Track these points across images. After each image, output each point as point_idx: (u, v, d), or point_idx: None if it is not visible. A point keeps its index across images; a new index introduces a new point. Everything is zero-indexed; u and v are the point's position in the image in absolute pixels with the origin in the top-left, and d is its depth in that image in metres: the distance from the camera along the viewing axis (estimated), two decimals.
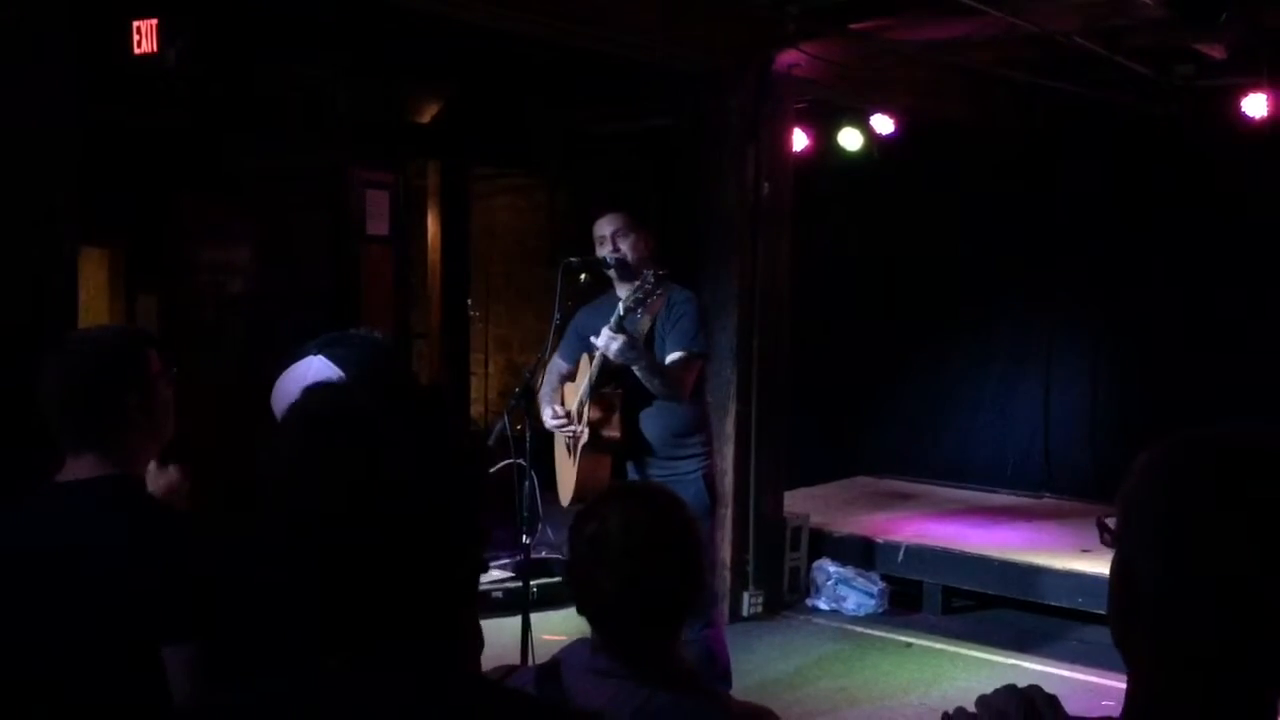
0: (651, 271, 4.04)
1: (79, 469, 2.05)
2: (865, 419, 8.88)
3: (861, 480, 8.58)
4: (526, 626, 3.89)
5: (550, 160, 10.18)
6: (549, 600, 5.48)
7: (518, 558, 4.18)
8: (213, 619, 1.93)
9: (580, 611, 1.88)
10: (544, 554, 6.64)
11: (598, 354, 4.09)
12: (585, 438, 4.20)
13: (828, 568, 6.72)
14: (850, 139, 7.81)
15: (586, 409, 4.21)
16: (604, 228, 4.34)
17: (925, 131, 7.75)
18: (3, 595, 2.02)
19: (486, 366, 10.89)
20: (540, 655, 3.68)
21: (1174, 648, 1.05)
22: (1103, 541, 1.17)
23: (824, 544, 6.90)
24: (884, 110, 7.57)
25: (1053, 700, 1.08)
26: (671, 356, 4.17)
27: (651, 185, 10.02)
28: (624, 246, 4.29)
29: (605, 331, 3.98)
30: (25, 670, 1.98)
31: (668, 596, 1.84)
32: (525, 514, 3.99)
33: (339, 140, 8.04)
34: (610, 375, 4.19)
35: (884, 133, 7.66)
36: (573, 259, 4.31)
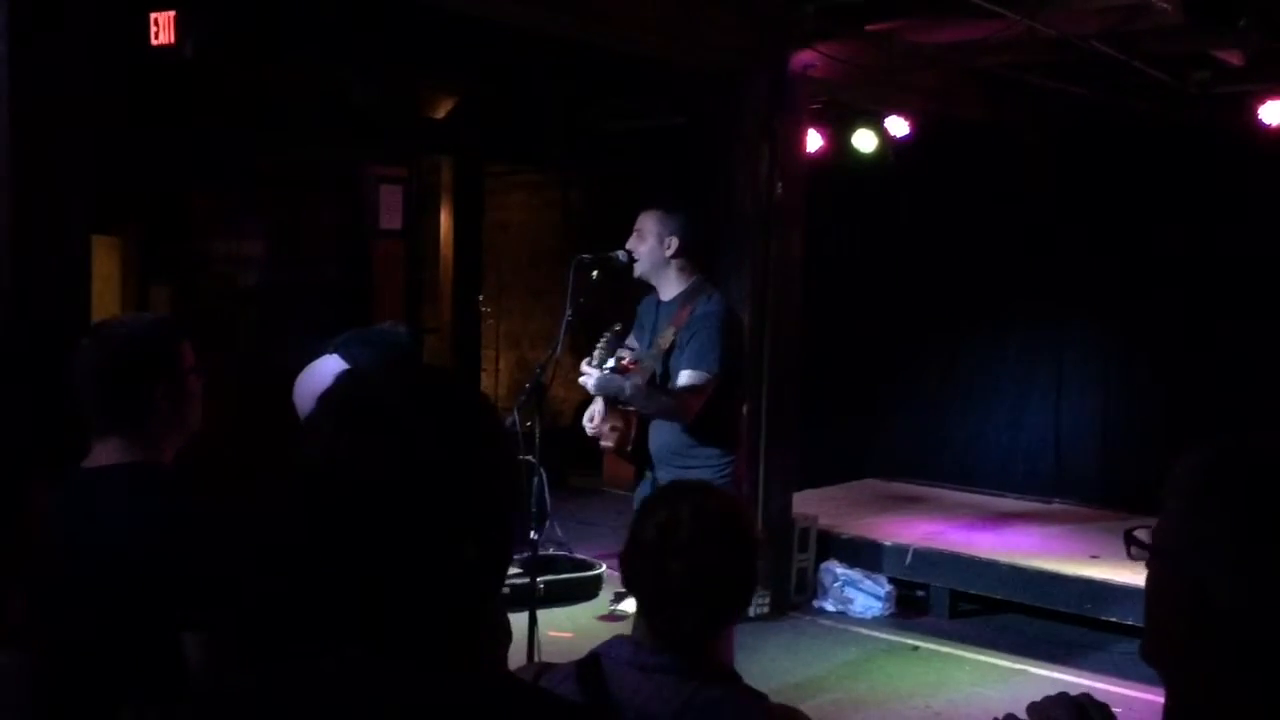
0: (617, 325, 4.11)
1: (105, 454, 2.07)
2: (875, 421, 8.87)
3: (870, 483, 8.56)
4: (533, 623, 3.89)
5: (564, 157, 10.19)
6: (556, 597, 5.48)
7: (525, 554, 4.18)
8: (230, 607, 1.94)
9: (640, 600, 1.89)
10: (552, 551, 6.65)
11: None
12: (609, 444, 4.27)
13: (835, 569, 6.71)
14: (865, 140, 7.79)
15: (607, 415, 4.25)
16: (637, 222, 4.36)
17: (940, 134, 7.73)
18: (29, 581, 2.04)
19: (497, 363, 10.90)
20: (547, 652, 3.68)
21: (1247, 670, 1.02)
22: (1131, 555, 1.13)
23: (832, 546, 6.89)
24: (899, 112, 7.56)
25: (1104, 708, 1.06)
26: (681, 377, 4.11)
27: (666, 184, 10.03)
28: (637, 242, 4.30)
29: (593, 373, 4.00)
30: (50, 653, 2.00)
31: (732, 588, 1.88)
32: (534, 510, 3.99)
33: (353, 135, 8.06)
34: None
35: (899, 135, 7.65)
36: (584, 256, 4.31)
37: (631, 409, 4.18)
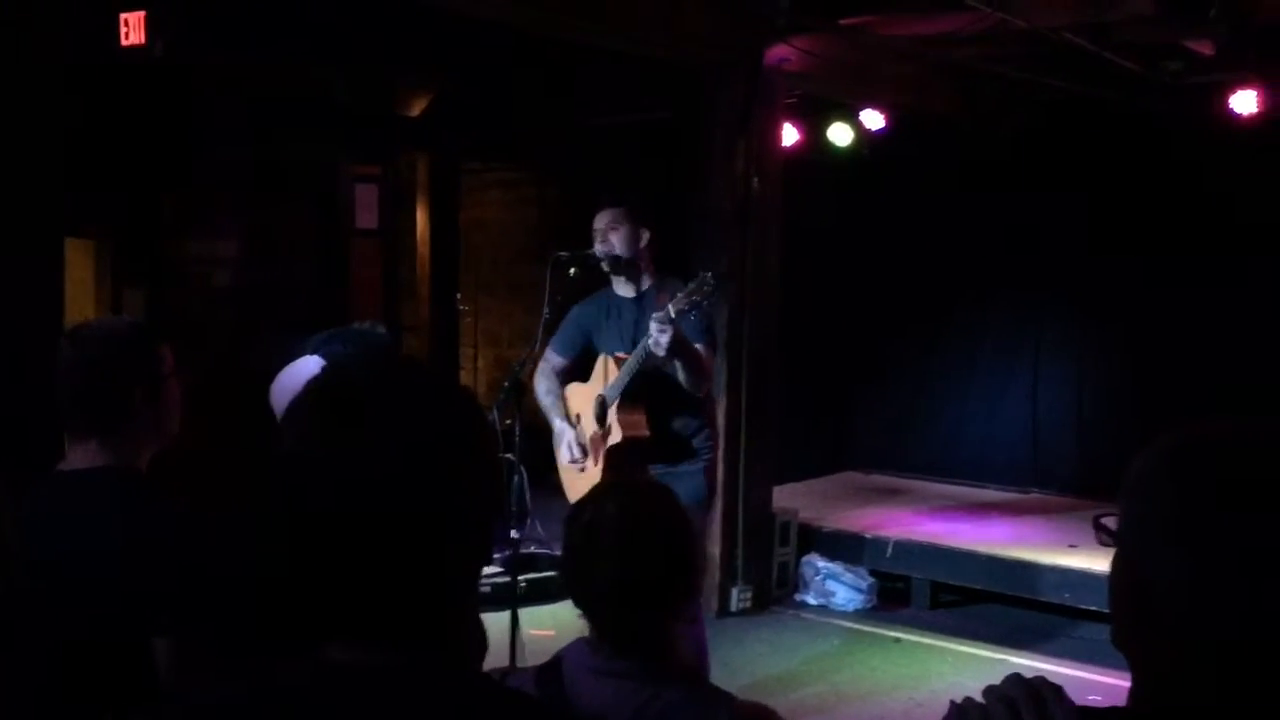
0: (710, 273, 4.00)
1: (81, 457, 2.05)
2: (854, 414, 8.89)
3: (850, 475, 8.59)
4: (515, 622, 3.89)
5: (541, 154, 10.17)
6: (537, 595, 5.47)
7: (506, 553, 4.17)
8: (202, 613, 1.93)
9: (576, 601, 1.88)
10: (533, 549, 6.64)
11: (638, 349, 4.05)
12: (618, 438, 4.19)
13: (816, 563, 6.73)
14: (840, 134, 7.80)
15: (614, 410, 4.20)
16: (598, 221, 4.34)
17: (915, 127, 7.75)
18: (2, 584, 2.02)
19: (476, 361, 10.88)
20: (529, 650, 3.68)
21: (1190, 647, 1.04)
22: (1100, 541, 1.16)
23: (813, 539, 6.91)
24: (874, 105, 7.57)
25: (1058, 690, 1.08)
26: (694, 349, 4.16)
27: (643, 179, 10.02)
28: (614, 240, 4.28)
29: (655, 325, 3.90)
30: (19, 658, 1.98)
31: (661, 582, 1.85)
32: (514, 509, 3.99)
33: (328, 133, 8.01)
34: (643, 374, 4.14)
35: (874, 128, 7.66)
36: (562, 253, 4.31)
37: (642, 399, 4.18)
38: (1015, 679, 1.10)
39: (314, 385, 1.11)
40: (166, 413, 2.16)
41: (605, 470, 4.23)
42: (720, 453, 4.56)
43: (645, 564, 1.83)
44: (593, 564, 1.85)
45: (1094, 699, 1.13)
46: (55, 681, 1.97)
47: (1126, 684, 1.14)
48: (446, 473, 1.07)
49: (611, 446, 4.22)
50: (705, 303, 3.97)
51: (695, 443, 4.33)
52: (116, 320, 2.41)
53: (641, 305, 4.31)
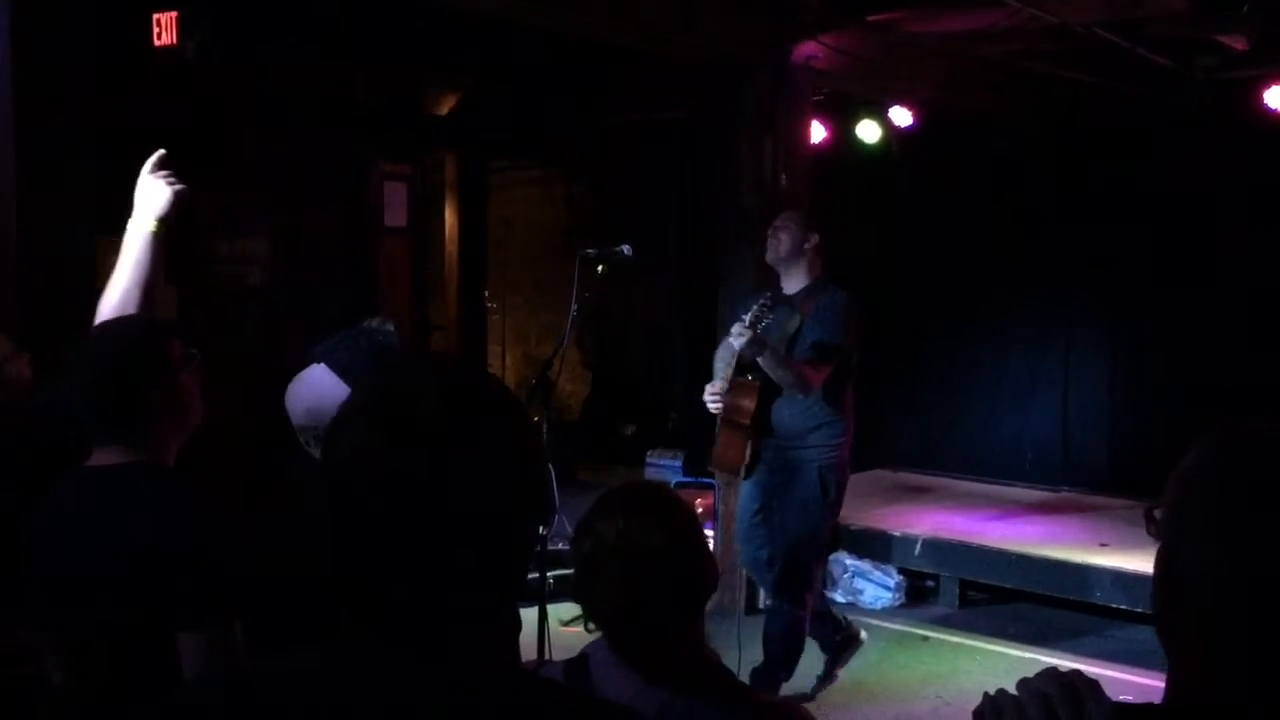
0: (766, 295, 4.53)
1: (108, 456, 2.07)
2: (882, 411, 8.84)
3: (879, 473, 8.56)
4: (543, 617, 3.90)
5: (568, 152, 10.18)
6: (565, 591, 5.48)
7: (535, 549, 4.18)
8: (230, 609, 1.94)
9: (589, 620, 1.89)
10: (561, 545, 6.65)
11: (723, 344, 4.61)
12: (720, 414, 4.68)
13: (844, 560, 6.71)
14: (868, 131, 7.78)
15: (728, 392, 4.68)
16: (776, 221, 4.89)
17: (944, 124, 7.71)
18: (32, 578, 2.04)
19: (504, 358, 10.90)
20: (556, 645, 3.69)
21: (1221, 639, 1.04)
22: (1149, 533, 1.16)
23: (841, 537, 6.89)
24: (902, 102, 7.54)
25: (1095, 685, 1.07)
26: (808, 350, 4.60)
27: (670, 177, 10.02)
28: (784, 238, 4.79)
29: (736, 326, 4.40)
30: (48, 648, 2.00)
31: (665, 604, 1.84)
32: None
33: (357, 133, 8.06)
34: (748, 366, 4.60)
35: (902, 125, 7.63)
36: (589, 251, 4.32)
37: (755, 386, 4.63)
38: (1050, 673, 1.09)
39: (363, 391, 1.13)
40: (186, 405, 2.16)
41: (720, 441, 4.75)
42: (848, 453, 4.88)
43: (645, 592, 1.82)
44: (594, 592, 1.86)
45: (1125, 699, 1.12)
46: (78, 672, 1.98)
47: (1159, 684, 1.13)
48: (492, 475, 1.08)
49: (720, 421, 4.71)
50: (761, 321, 4.42)
51: (810, 438, 4.71)
52: (120, 323, 2.40)
53: (792, 302, 4.74)
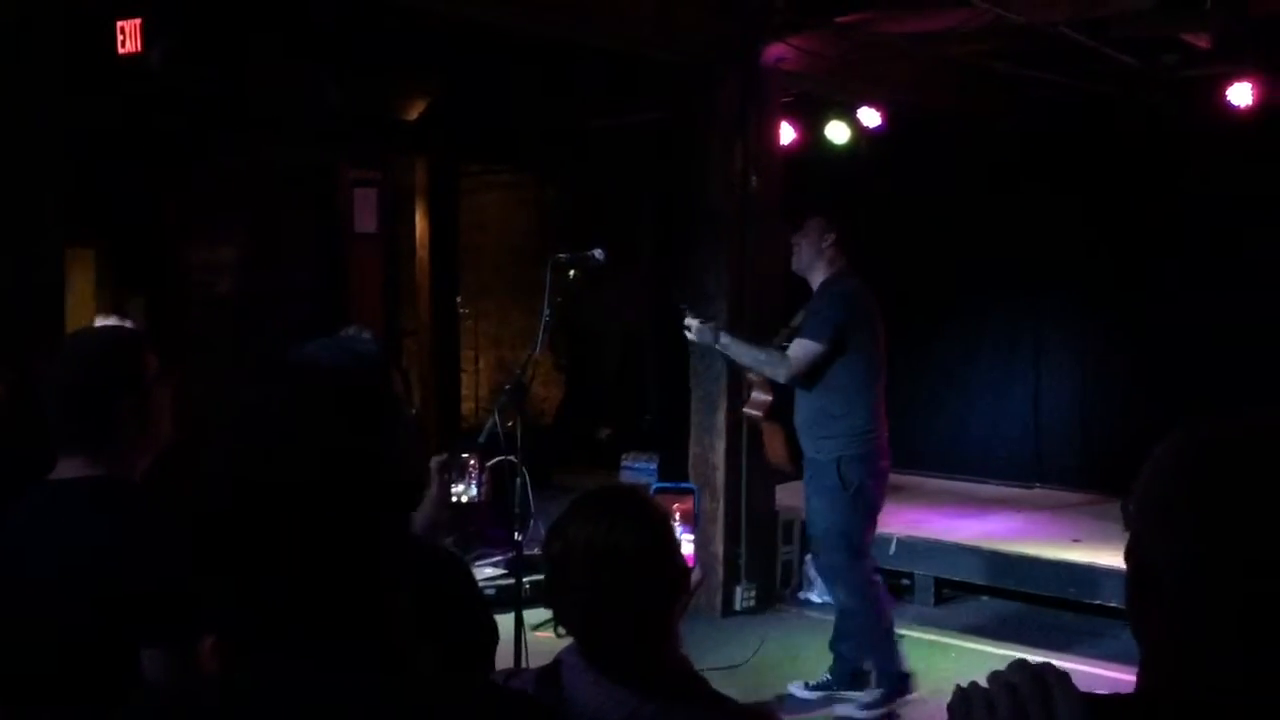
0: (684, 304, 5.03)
1: (70, 469, 2.04)
2: None
3: None
4: (519, 623, 3.89)
5: (539, 156, 10.17)
6: (541, 597, 5.47)
7: (510, 554, 4.17)
8: (189, 625, 1.91)
9: (558, 623, 1.88)
10: (536, 551, 6.63)
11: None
12: (758, 413, 5.11)
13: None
14: (838, 132, 7.81)
15: (753, 387, 5.06)
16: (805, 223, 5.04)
17: (912, 124, 7.75)
18: None
19: (477, 363, 10.88)
20: (533, 651, 3.68)
21: (1185, 630, 1.05)
22: (1125, 526, 1.17)
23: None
24: (871, 103, 7.57)
25: (1063, 676, 1.08)
26: (792, 346, 4.86)
27: (642, 180, 10.03)
28: (803, 242, 4.98)
29: (693, 322, 4.91)
30: (4, 664, 1.98)
31: (633, 609, 1.82)
32: (517, 510, 3.99)
33: (326, 138, 8.02)
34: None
35: (871, 125, 7.66)
36: (561, 255, 4.31)
37: (774, 388, 4.99)
38: (1020, 665, 1.10)
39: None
40: (154, 422, 2.13)
41: (763, 430, 5.19)
42: (874, 446, 4.91)
43: (612, 596, 1.81)
44: (562, 595, 1.85)
45: (1099, 692, 1.13)
46: (37, 689, 1.95)
47: (1131, 678, 1.14)
48: (361, 477, 1.09)
49: (761, 419, 5.07)
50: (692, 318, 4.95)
51: (826, 432, 4.84)
52: (95, 332, 2.38)
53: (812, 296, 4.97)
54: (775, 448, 4.95)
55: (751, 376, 5.11)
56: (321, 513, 1.07)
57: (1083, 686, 1.08)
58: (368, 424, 1.13)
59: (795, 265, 5.01)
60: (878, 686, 5.04)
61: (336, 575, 1.08)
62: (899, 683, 4.99)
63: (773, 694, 5.22)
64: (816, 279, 4.97)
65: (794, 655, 5.75)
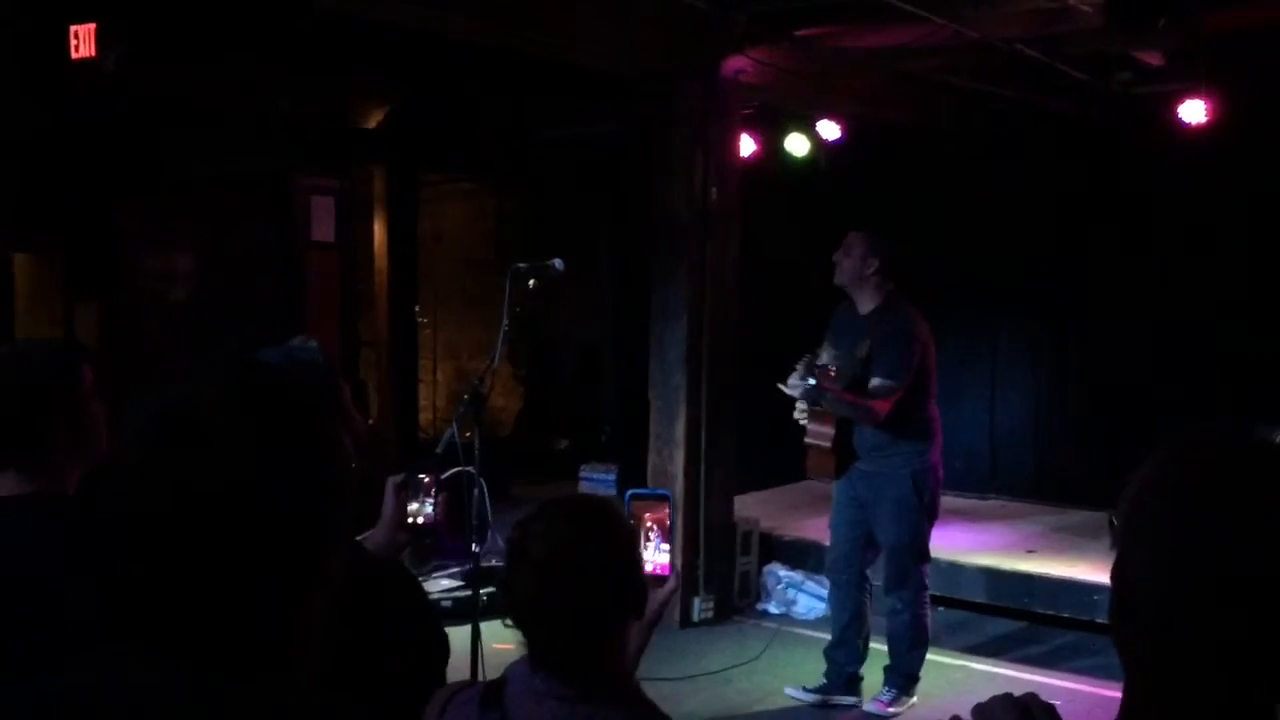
0: (809, 354, 4.93)
1: (2, 486, 1.99)
2: None
3: (811, 484, 8.58)
4: (476, 635, 3.86)
5: (498, 165, 10.15)
6: (498, 609, 5.44)
7: (467, 566, 4.15)
8: (133, 636, 1.87)
9: (509, 620, 1.86)
10: (494, 562, 6.60)
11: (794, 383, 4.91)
12: (806, 439, 5.04)
13: (778, 572, 6.74)
14: (797, 144, 7.85)
15: (810, 418, 4.99)
16: (845, 242, 5.05)
17: (871, 137, 7.81)
18: None
19: (435, 373, 10.83)
20: (490, 663, 3.65)
21: (1172, 648, 1.05)
22: (1112, 545, 1.17)
23: (774, 548, 6.92)
24: (830, 116, 7.62)
25: (1050, 710, 1.08)
26: (873, 383, 4.86)
27: (601, 190, 10.03)
28: (845, 263, 4.98)
29: (792, 378, 4.86)
30: None
31: (585, 599, 1.81)
32: (475, 522, 3.97)
33: (283, 146, 7.96)
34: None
35: (830, 138, 7.71)
36: (521, 265, 4.31)
37: (833, 416, 4.95)
38: (1006, 699, 1.09)
39: (142, 407, 1.11)
40: (89, 436, 2.06)
41: (809, 459, 5.14)
42: (938, 456, 5.07)
43: (563, 584, 1.79)
44: (516, 577, 1.82)
45: (1056, 704, 1.13)
46: None
47: (1086, 689, 1.15)
48: (281, 477, 1.06)
49: (809, 445, 5.03)
50: (811, 368, 4.84)
51: (893, 451, 4.95)
52: (30, 344, 2.31)
53: (864, 323, 4.96)
54: (826, 466, 5.08)
55: (814, 410, 5.02)
56: (244, 516, 1.04)
57: (1046, 696, 1.08)
58: (301, 428, 1.11)
59: (838, 279, 5.03)
60: (891, 686, 5.16)
61: (252, 579, 1.05)
62: (912, 685, 5.17)
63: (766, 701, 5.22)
64: (866, 301, 5.00)
65: (751, 667, 5.75)
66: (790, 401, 5.03)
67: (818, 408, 4.94)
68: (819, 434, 5.02)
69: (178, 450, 1.05)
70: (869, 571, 5.34)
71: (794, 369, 4.90)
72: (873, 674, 5.29)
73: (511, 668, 1.85)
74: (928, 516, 5.12)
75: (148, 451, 1.06)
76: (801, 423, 5.03)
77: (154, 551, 1.05)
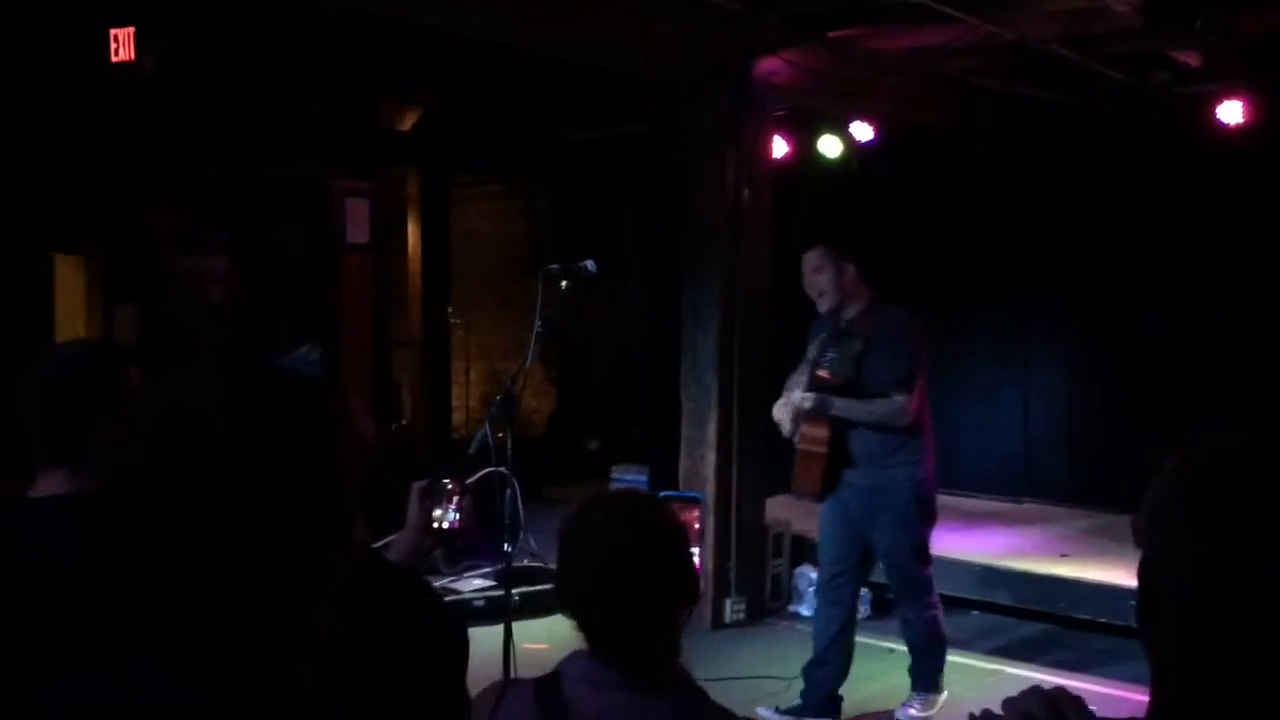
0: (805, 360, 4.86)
1: (48, 485, 2.01)
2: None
3: None
4: (509, 635, 3.88)
5: (530, 168, 10.19)
6: (531, 608, 5.46)
7: (500, 566, 4.16)
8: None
9: (563, 605, 1.88)
10: (526, 562, 6.63)
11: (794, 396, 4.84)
12: (799, 444, 4.87)
13: (809, 574, 6.71)
14: (830, 146, 7.83)
15: (805, 422, 4.83)
16: (804, 265, 4.90)
17: (904, 139, 7.77)
18: None
19: (468, 374, 10.87)
20: (522, 663, 3.66)
21: (1196, 648, 1.05)
22: (1137, 544, 1.17)
23: (806, 550, 6.89)
24: (863, 117, 7.60)
25: (1078, 701, 1.07)
26: (893, 390, 4.77)
27: (632, 192, 10.05)
28: (821, 282, 4.83)
29: (797, 393, 4.77)
30: None
31: (644, 584, 1.84)
32: (507, 522, 3.98)
33: (318, 149, 8.02)
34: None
35: (863, 140, 7.68)
36: (553, 266, 4.32)
37: (826, 421, 4.79)
38: (1034, 692, 1.09)
39: (146, 405, 1.12)
40: None
41: (797, 468, 4.94)
42: (933, 462, 4.99)
43: (625, 562, 1.83)
44: (576, 563, 1.86)
45: (1091, 708, 1.13)
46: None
47: (1120, 694, 1.14)
48: (289, 476, 1.06)
49: (799, 451, 4.86)
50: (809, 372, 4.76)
51: (895, 460, 4.82)
52: (77, 345, 2.34)
53: (847, 326, 4.87)
54: (813, 478, 4.89)
55: (802, 429, 4.90)
56: (244, 515, 1.04)
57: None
58: (302, 428, 1.10)
59: (824, 305, 4.89)
60: (918, 690, 5.09)
61: (252, 579, 1.05)
62: (938, 679, 5.09)
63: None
64: (850, 307, 4.90)
65: (784, 668, 5.73)
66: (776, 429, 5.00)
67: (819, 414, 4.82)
68: (813, 438, 4.84)
69: (179, 449, 1.05)
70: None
71: (786, 389, 4.84)
72: (892, 678, 5.27)
73: (565, 661, 1.87)
74: (928, 522, 5.03)
75: (150, 450, 1.06)
76: (795, 440, 4.92)
77: (155, 550, 1.06)
